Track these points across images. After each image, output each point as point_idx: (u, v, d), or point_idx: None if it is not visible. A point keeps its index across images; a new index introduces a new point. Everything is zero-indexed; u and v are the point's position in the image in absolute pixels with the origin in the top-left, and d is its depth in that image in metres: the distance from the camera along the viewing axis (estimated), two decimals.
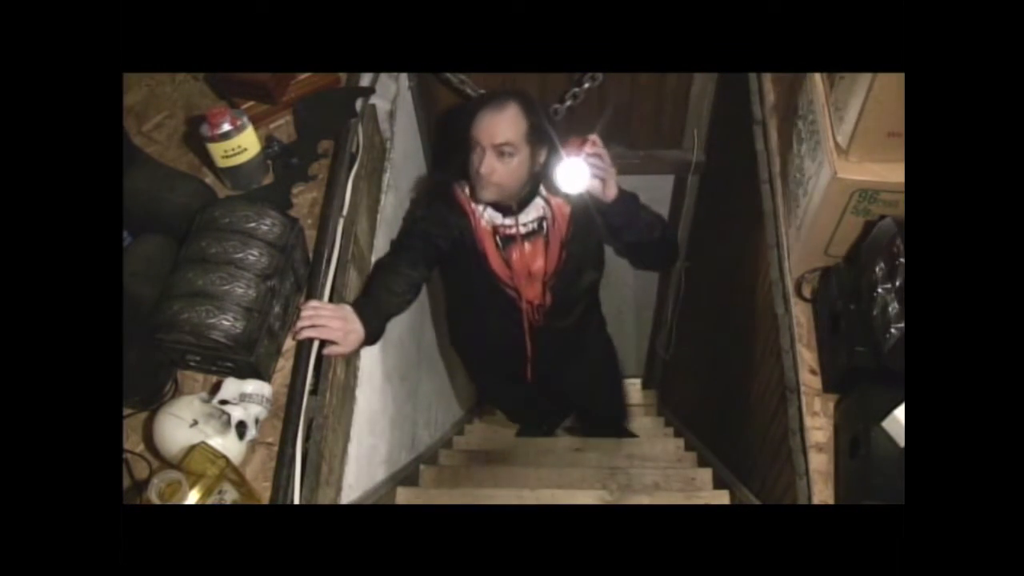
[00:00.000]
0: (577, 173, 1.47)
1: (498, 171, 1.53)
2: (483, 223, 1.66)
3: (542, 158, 1.58)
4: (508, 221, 1.65)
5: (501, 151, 1.51)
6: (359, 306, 1.48)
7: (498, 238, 1.67)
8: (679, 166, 2.58)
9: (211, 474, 1.11)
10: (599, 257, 1.83)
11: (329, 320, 1.38)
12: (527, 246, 1.68)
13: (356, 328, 1.43)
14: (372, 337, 1.49)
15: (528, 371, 1.98)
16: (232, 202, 1.43)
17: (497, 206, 1.64)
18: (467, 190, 1.64)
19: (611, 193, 1.51)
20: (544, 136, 1.56)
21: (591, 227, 1.66)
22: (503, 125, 1.51)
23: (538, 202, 1.64)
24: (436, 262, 1.71)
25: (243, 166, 1.55)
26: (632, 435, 3.05)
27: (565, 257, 1.70)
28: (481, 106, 1.55)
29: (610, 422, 2.96)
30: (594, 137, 1.47)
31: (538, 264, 1.70)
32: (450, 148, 2.36)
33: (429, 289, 2.42)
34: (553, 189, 1.61)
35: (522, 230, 1.66)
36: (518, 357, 1.94)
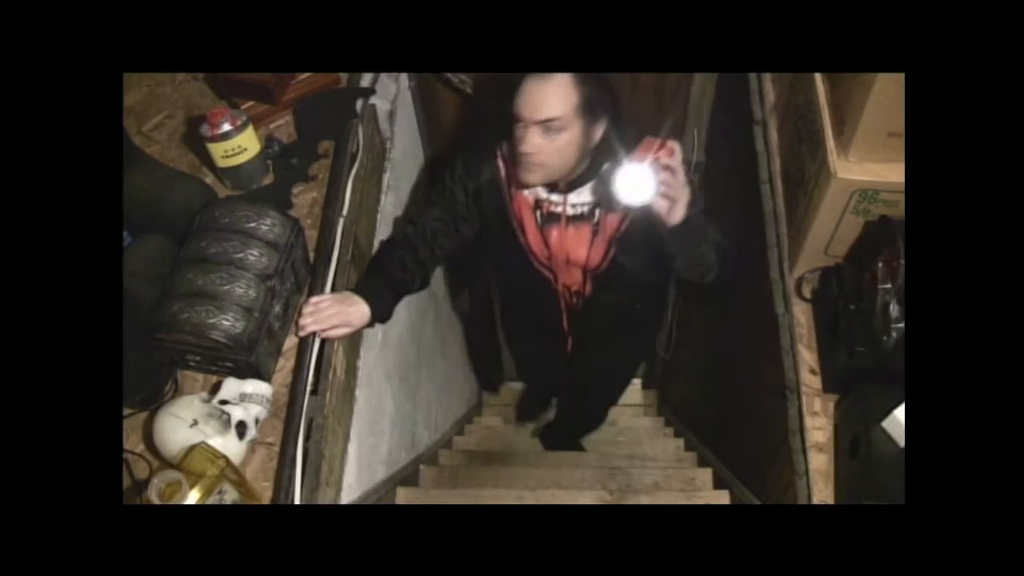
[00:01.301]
0: (639, 183, 1.20)
1: (544, 150, 1.31)
2: (524, 193, 1.46)
3: (597, 134, 1.34)
4: (555, 198, 1.44)
5: (547, 127, 1.29)
6: (361, 286, 1.43)
7: (539, 213, 1.47)
8: None
9: (211, 474, 1.11)
10: (661, 263, 1.49)
11: (329, 309, 1.36)
12: (571, 230, 1.47)
13: (360, 309, 1.39)
14: (379, 314, 1.42)
15: (568, 343, 1.83)
16: (232, 202, 1.43)
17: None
18: (504, 151, 1.45)
19: (676, 218, 1.25)
20: (601, 109, 1.32)
21: (653, 231, 1.36)
22: (550, 97, 1.28)
23: (595, 185, 1.42)
24: (452, 245, 1.54)
25: (243, 166, 1.55)
26: (580, 448, 2.93)
27: (613, 254, 1.48)
28: (526, 74, 1.31)
29: (577, 427, 2.83)
30: (674, 144, 1.23)
31: (579, 253, 1.50)
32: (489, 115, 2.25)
33: (430, 289, 2.42)
34: (605, 196, 1.38)
35: (569, 211, 1.44)
36: (555, 330, 1.77)
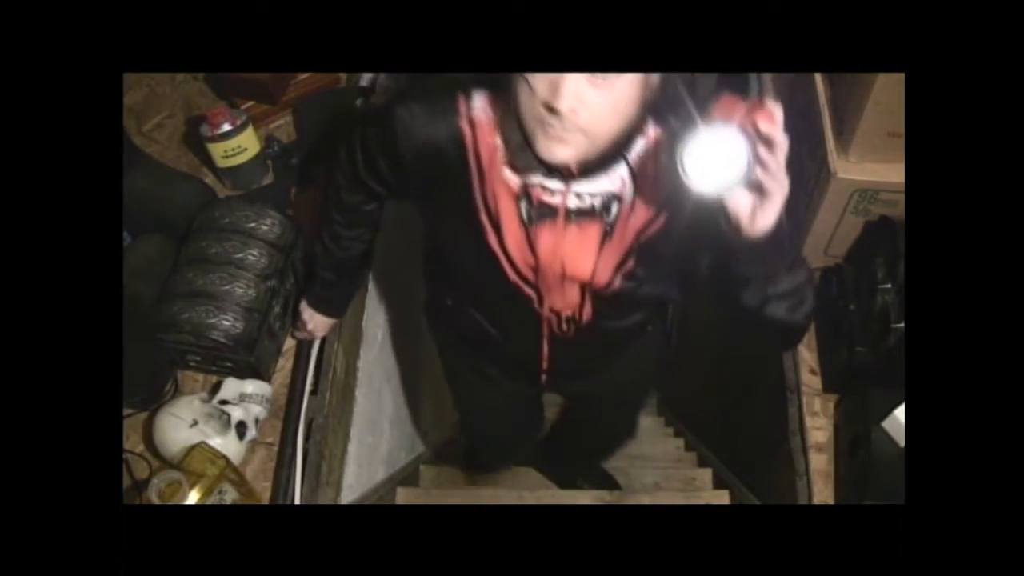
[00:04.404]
0: (721, 160, 0.75)
1: (592, 107, 0.81)
2: (505, 172, 0.96)
3: (655, 82, 0.87)
4: (553, 183, 0.94)
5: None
6: (311, 296, 1.34)
7: (524, 205, 0.97)
8: None
9: (211, 474, 1.11)
10: (688, 278, 1.06)
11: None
12: (572, 231, 0.97)
13: (319, 324, 1.36)
14: (339, 308, 1.37)
15: (543, 377, 1.26)
16: (232, 202, 1.43)
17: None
18: (474, 107, 0.96)
19: (764, 223, 0.80)
20: None
21: (695, 241, 0.94)
22: None
23: (618, 168, 0.93)
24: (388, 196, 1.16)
25: (243, 166, 1.56)
26: (616, 485, 2.22)
27: (630, 267, 1.00)
28: None
29: (596, 454, 2.10)
30: (775, 107, 0.78)
31: (582, 264, 1.00)
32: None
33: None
34: (664, 170, 0.90)
35: (572, 203, 0.95)
36: (527, 360, 1.22)
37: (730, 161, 0.75)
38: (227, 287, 1.28)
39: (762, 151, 0.76)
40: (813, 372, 1.45)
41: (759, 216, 0.80)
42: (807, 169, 1.46)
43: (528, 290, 1.06)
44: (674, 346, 3.17)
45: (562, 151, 0.84)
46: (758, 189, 0.78)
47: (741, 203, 0.79)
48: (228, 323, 1.25)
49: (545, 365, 1.21)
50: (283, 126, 1.72)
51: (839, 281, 1.42)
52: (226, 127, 1.49)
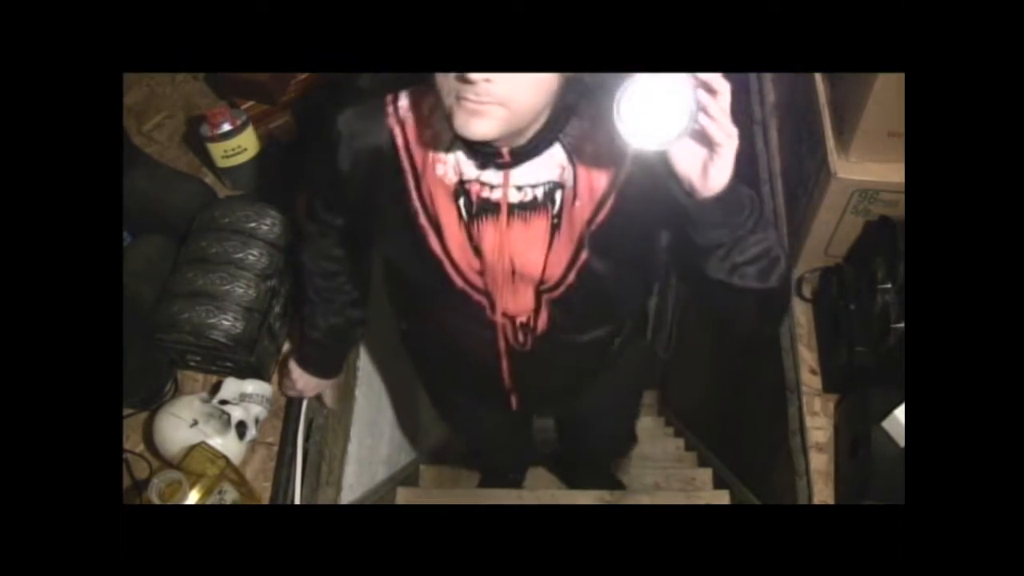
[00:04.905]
0: (662, 108, 0.72)
1: (508, 75, 0.79)
2: (438, 170, 0.92)
3: None
4: (490, 176, 0.91)
5: None
6: (302, 357, 1.28)
7: (463, 202, 0.93)
8: None
9: (211, 474, 1.11)
10: (651, 266, 1.05)
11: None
12: (517, 225, 0.93)
13: (310, 384, 1.30)
14: (331, 370, 1.33)
15: (512, 400, 1.22)
16: (232, 202, 1.43)
17: (473, 147, 0.89)
18: (400, 105, 0.94)
19: (718, 179, 0.76)
20: None
21: (649, 220, 0.90)
22: None
23: (555, 153, 0.89)
24: (360, 235, 1.11)
25: (243, 166, 1.55)
26: (620, 485, 2.23)
27: (585, 259, 0.94)
28: None
29: (597, 463, 2.15)
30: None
31: (531, 259, 0.96)
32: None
33: None
34: (605, 150, 0.86)
35: (514, 196, 0.91)
36: (490, 382, 1.17)
37: (670, 110, 0.71)
38: (227, 287, 1.28)
39: (703, 97, 0.72)
40: (813, 372, 1.45)
41: (712, 171, 0.75)
42: (807, 169, 1.46)
43: (478, 296, 1.01)
44: (672, 346, 3.18)
45: (480, 125, 0.80)
46: (706, 141, 0.74)
47: (690, 159, 0.75)
48: (228, 323, 1.26)
49: (508, 383, 1.16)
50: (283, 126, 1.71)
51: (839, 281, 1.42)
52: (226, 127, 1.49)
